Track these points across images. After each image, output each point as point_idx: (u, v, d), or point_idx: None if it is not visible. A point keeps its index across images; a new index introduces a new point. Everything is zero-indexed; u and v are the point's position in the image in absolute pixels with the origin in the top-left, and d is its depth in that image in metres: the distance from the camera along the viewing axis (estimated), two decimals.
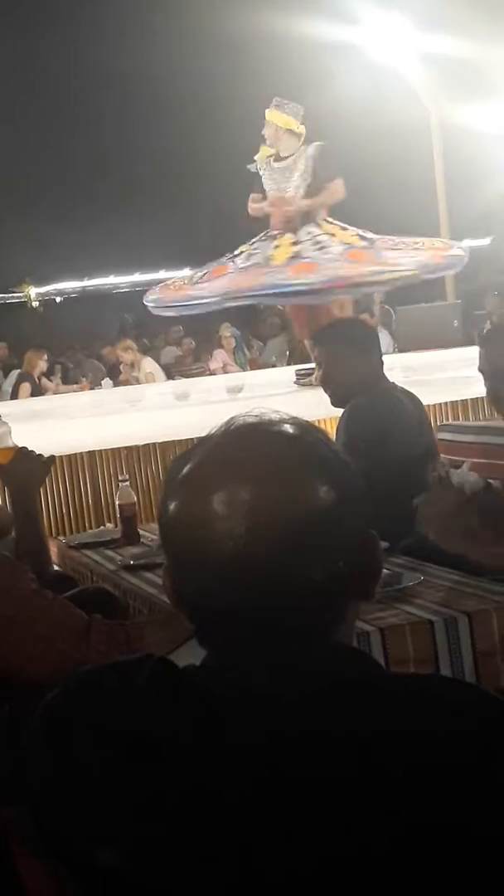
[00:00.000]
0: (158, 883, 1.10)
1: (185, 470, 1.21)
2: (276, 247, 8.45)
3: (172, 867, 1.09)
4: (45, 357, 12.32)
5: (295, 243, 8.40)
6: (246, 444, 1.21)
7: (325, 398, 4.19)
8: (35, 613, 2.41)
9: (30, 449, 3.51)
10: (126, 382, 11.79)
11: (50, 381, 12.46)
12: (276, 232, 8.55)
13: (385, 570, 2.88)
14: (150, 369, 11.96)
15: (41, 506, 5.31)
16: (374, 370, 4.05)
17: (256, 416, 1.23)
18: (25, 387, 11.48)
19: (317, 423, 1.27)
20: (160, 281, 9.90)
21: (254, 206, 8.69)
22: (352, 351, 4.03)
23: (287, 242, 8.44)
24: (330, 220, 8.56)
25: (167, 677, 1.18)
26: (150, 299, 9.02)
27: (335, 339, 4.15)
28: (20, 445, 3.66)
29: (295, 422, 1.23)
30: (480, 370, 3.35)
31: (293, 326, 9.96)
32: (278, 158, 8.55)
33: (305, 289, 8.20)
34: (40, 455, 3.49)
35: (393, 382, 4.15)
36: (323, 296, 8.30)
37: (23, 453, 3.48)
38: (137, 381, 11.64)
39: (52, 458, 3.60)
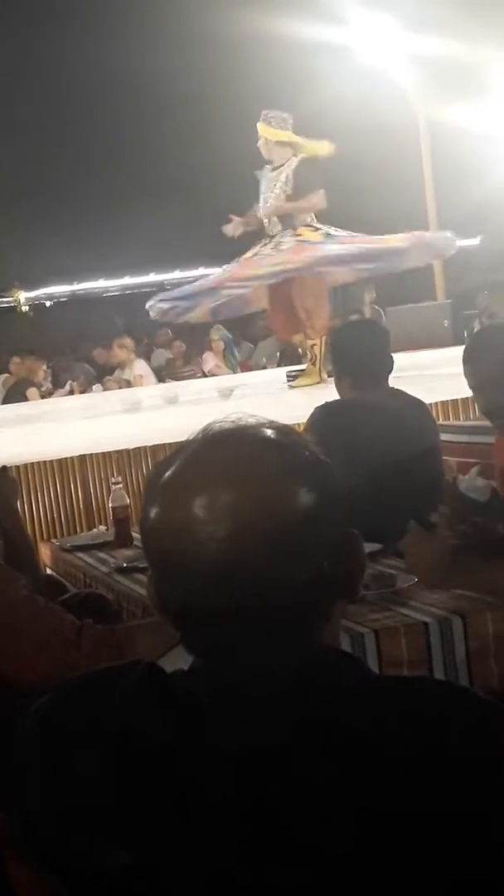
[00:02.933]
0: (152, 886, 1.10)
1: (165, 477, 1.21)
2: (254, 253, 8.85)
3: (166, 869, 1.09)
4: (45, 366, 12.46)
5: (264, 246, 8.78)
6: (224, 448, 1.21)
7: (316, 400, 4.19)
8: (27, 619, 2.40)
9: None
10: (112, 386, 11.78)
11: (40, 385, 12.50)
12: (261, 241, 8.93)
13: (379, 572, 2.88)
14: (141, 372, 11.94)
15: (32, 510, 5.32)
16: (360, 375, 3.91)
17: (233, 421, 1.24)
18: (33, 391, 11.57)
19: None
20: (151, 284, 10.19)
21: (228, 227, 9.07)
22: (339, 355, 4.05)
23: (258, 247, 8.84)
24: (311, 224, 8.78)
25: (156, 683, 1.17)
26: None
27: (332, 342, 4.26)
28: None
29: (272, 425, 1.24)
30: (470, 387, 3.37)
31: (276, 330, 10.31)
32: (274, 167, 8.85)
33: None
34: (4, 467, 3.65)
35: (393, 388, 3.98)
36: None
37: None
38: (127, 384, 11.62)
39: (7, 467, 3.75)
